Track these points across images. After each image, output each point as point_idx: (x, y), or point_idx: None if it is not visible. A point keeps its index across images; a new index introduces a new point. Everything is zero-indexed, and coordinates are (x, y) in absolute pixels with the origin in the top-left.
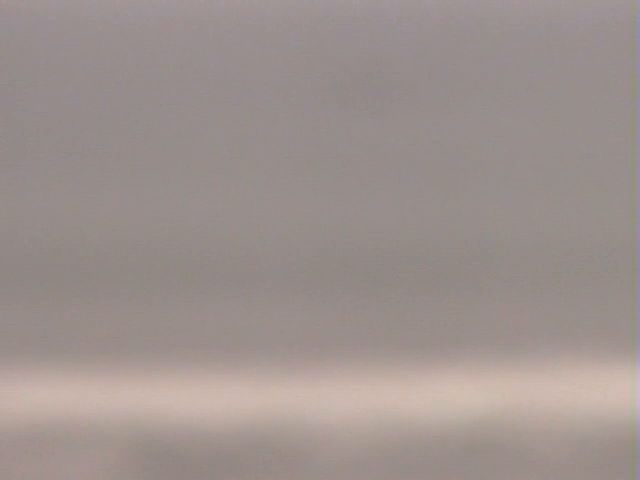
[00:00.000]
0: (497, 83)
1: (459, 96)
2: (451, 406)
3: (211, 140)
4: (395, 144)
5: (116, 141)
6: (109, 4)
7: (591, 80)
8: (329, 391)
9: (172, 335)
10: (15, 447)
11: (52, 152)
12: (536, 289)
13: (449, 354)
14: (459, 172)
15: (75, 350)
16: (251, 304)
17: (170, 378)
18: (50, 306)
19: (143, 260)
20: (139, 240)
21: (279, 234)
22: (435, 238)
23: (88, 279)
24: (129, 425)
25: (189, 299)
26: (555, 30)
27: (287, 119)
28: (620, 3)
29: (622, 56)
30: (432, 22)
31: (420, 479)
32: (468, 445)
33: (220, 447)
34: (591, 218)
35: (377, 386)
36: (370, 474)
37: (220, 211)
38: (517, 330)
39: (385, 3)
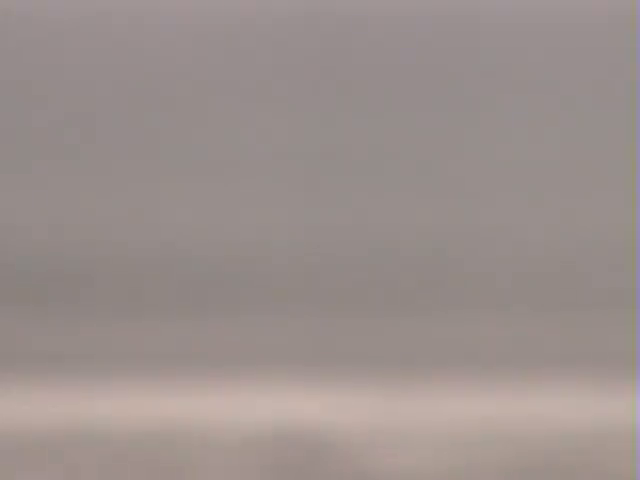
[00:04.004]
0: (497, 84)
1: (459, 97)
2: (447, 419)
3: (211, 144)
4: (393, 148)
5: (116, 147)
6: (109, 6)
7: (591, 80)
8: (332, 401)
9: (172, 347)
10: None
11: (61, 160)
12: (532, 306)
13: (453, 370)
14: (458, 179)
15: (85, 363)
16: (253, 318)
17: (173, 389)
18: (62, 320)
19: (145, 275)
20: (138, 252)
21: (277, 243)
22: (430, 250)
23: (96, 296)
24: (137, 433)
25: (192, 314)
26: (555, 30)
27: (286, 121)
28: (620, 3)
29: (622, 56)
30: (432, 22)
31: None
32: (466, 456)
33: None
34: (591, 229)
35: (372, 396)
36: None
37: (226, 222)
38: (508, 347)
39: (385, 3)
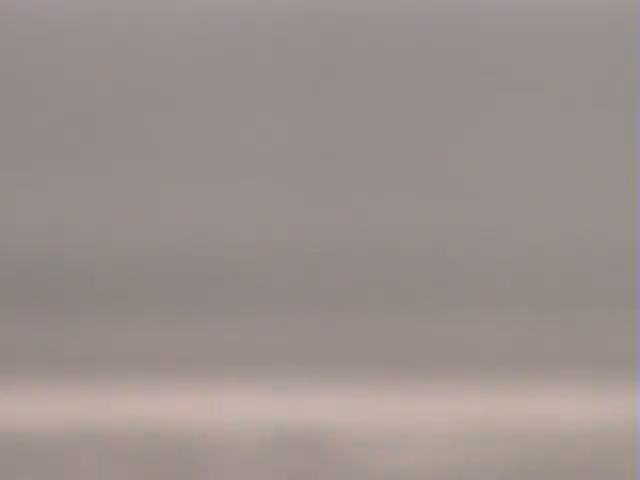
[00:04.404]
0: (497, 84)
1: (459, 97)
2: (444, 420)
3: (211, 144)
4: (393, 148)
5: (116, 147)
6: (110, 6)
7: (591, 80)
8: (330, 402)
9: (172, 349)
10: (20, 456)
11: (61, 160)
12: (532, 306)
13: (453, 370)
14: (458, 179)
15: (89, 363)
16: (253, 319)
17: (174, 389)
18: (62, 320)
19: (149, 277)
20: (140, 253)
21: (276, 244)
22: (431, 249)
23: (96, 296)
24: (140, 434)
25: (192, 316)
26: (555, 30)
27: (286, 121)
28: (620, 3)
29: (622, 56)
30: (432, 22)
31: None
32: (462, 459)
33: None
34: (591, 229)
35: (372, 396)
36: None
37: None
38: (508, 347)
39: (385, 3)
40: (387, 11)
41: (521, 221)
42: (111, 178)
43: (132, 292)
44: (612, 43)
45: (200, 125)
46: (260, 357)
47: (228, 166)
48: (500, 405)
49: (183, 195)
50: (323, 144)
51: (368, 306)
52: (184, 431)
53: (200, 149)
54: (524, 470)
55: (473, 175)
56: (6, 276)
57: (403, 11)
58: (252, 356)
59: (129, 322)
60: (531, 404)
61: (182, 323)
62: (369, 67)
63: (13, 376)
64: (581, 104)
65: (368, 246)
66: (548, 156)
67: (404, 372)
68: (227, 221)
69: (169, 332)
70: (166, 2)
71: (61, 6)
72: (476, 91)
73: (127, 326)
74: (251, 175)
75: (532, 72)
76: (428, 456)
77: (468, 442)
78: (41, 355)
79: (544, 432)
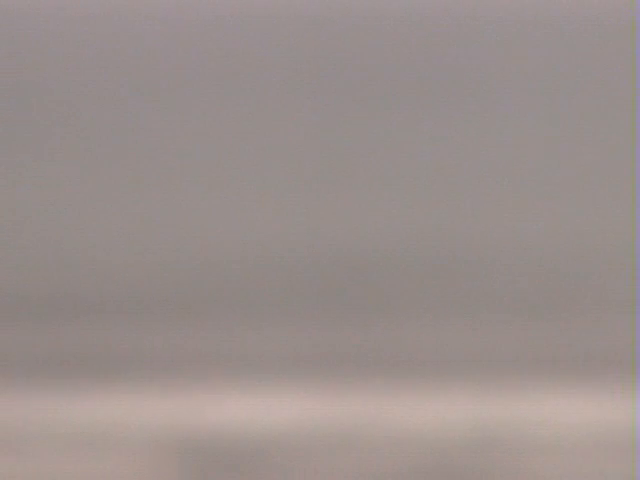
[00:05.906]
0: (497, 84)
1: (459, 98)
2: (442, 423)
3: (211, 146)
4: (394, 148)
5: (115, 149)
6: (110, 4)
7: (591, 81)
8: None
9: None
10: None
11: (63, 163)
12: (532, 306)
13: (451, 370)
14: (458, 180)
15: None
16: (255, 322)
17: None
18: (63, 323)
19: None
20: (144, 259)
21: (276, 246)
22: (432, 250)
23: (97, 299)
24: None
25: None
26: (555, 30)
27: (286, 120)
28: (620, 3)
29: (622, 56)
30: (432, 23)
31: None
32: (456, 462)
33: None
34: (592, 230)
35: (371, 397)
36: None
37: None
38: (509, 348)
39: (385, 3)
40: (387, 11)
41: (522, 222)
42: (111, 180)
43: (131, 295)
44: (612, 43)
45: (200, 126)
46: (258, 358)
47: (228, 168)
48: (499, 406)
49: (183, 198)
50: (324, 145)
51: (368, 307)
52: (183, 432)
53: (200, 151)
54: (525, 471)
55: (474, 176)
56: (7, 277)
57: (403, 11)
58: (250, 357)
59: (128, 325)
60: (530, 404)
61: (181, 325)
62: (369, 67)
63: (20, 380)
64: (581, 104)
65: (369, 247)
66: (549, 157)
67: (403, 373)
68: (227, 223)
69: (168, 335)
70: (166, 3)
71: (61, 6)
72: (477, 91)
73: (127, 328)
74: (251, 176)
75: (532, 72)
76: (427, 457)
77: (468, 443)
78: (40, 358)
79: (544, 432)
